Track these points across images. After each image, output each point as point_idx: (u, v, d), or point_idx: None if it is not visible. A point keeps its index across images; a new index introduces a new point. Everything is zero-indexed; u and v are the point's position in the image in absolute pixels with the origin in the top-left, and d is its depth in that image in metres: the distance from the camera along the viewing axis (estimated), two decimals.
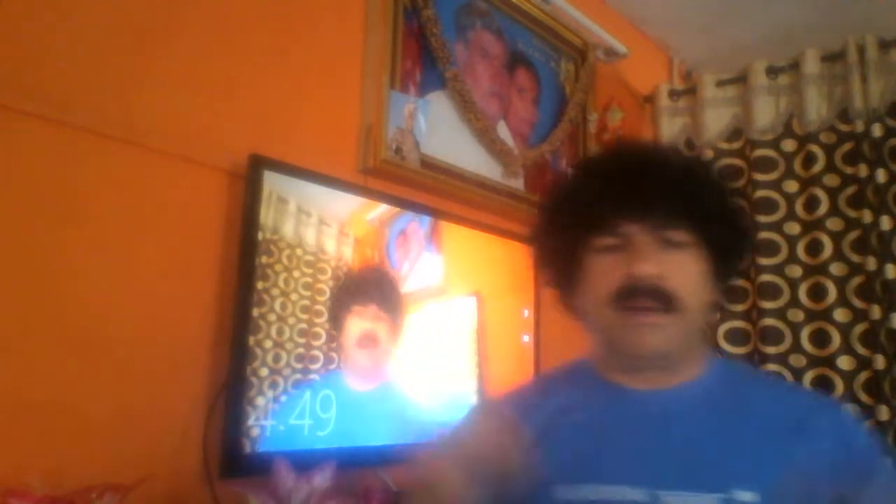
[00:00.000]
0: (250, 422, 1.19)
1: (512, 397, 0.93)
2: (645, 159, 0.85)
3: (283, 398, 1.25)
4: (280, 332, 1.26)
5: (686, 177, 0.82)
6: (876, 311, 1.84)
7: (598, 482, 0.77)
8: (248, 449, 1.18)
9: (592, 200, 0.81)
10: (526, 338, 1.80)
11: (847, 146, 1.98)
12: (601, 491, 0.77)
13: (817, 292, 1.94)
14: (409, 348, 1.50)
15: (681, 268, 0.78)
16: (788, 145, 2.08)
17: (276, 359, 1.24)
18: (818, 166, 2.00)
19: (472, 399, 1.63)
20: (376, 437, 1.40)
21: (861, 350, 1.86)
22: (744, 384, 0.87)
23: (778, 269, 2.00)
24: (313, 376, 1.30)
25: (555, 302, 0.92)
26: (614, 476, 0.77)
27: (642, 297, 0.77)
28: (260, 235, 1.24)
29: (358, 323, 1.39)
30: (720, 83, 2.23)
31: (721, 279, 0.84)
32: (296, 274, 1.30)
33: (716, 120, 2.21)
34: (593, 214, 0.81)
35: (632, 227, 0.78)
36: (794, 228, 2.01)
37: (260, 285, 1.23)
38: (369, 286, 1.44)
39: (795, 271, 1.98)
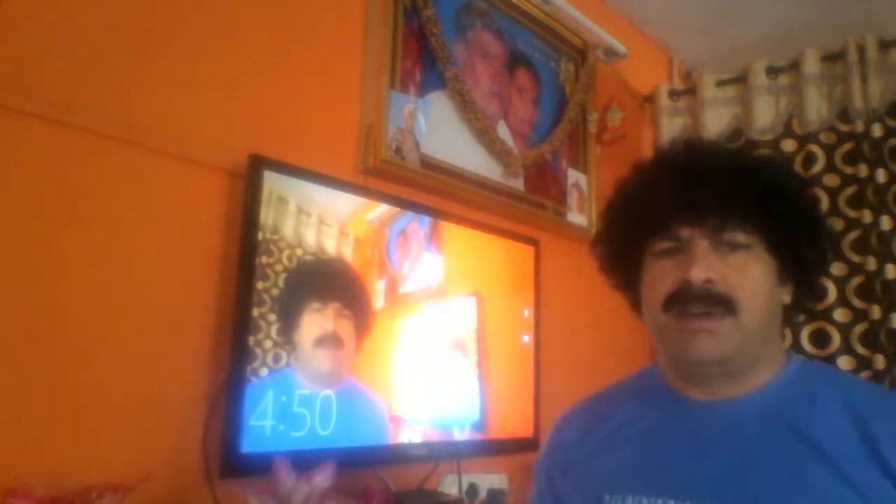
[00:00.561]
0: (250, 422, 1.18)
1: (582, 410, 0.94)
2: (700, 159, 0.82)
3: (284, 398, 1.24)
4: (280, 331, 1.26)
5: (742, 177, 0.79)
6: (876, 311, 1.84)
7: (643, 493, 0.77)
8: (248, 449, 1.17)
9: (650, 203, 0.80)
10: (526, 338, 1.80)
11: (847, 146, 1.98)
12: (646, 501, 0.76)
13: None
14: (410, 348, 1.49)
15: (740, 270, 0.76)
16: (788, 145, 2.08)
17: (277, 359, 1.24)
18: (818, 166, 2.00)
19: (473, 399, 1.63)
20: (342, 438, 1.33)
21: (861, 350, 1.86)
22: (819, 391, 0.79)
23: None
24: (263, 372, 1.26)
25: (627, 307, 0.91)
26: (659, 488, 0.76)
27: (695, 302, 0.75)
28: (260, 235, 1.24)
29: (317, 322, 1.31)
30: (720, 83, 2.23)
31: (794, 279, 0.81)
32: None
33: (716, 120, 2.21)
34: (651, 218, 0.80)
35: (687, 231, 0.77)
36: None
37: (260, 285, 1.23)
38: (331, 281, 1.36)
39: None
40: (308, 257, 1.33)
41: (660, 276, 0.79)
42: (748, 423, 0.77)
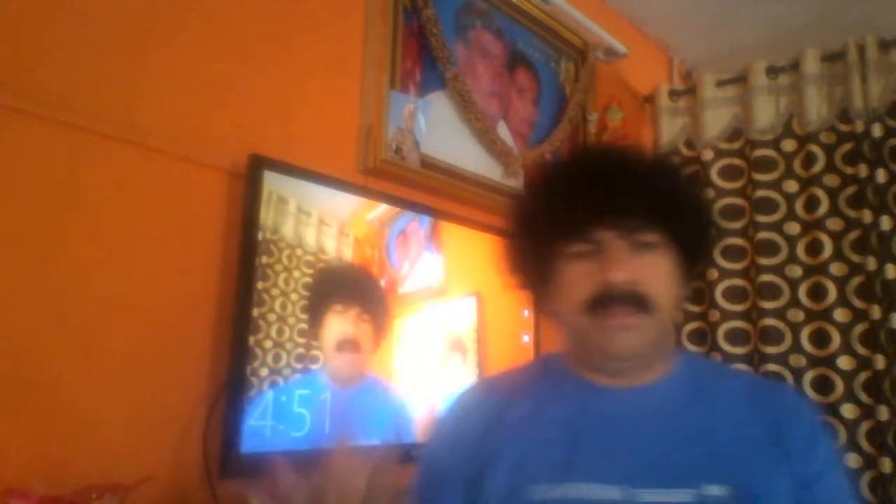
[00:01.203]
0: (250, 422, 1.18)
1: (484, 398, 0.92)
2: (612, 164, 0.85)
3: (284, 398, 1.25)
4: (280, 332, 1.26)
5: (654, 178, 0.83)
6: (876, 311, 1.84)
7: (573, 481, 0.78)
8: (248, 449, 1.17)
9: (564, 207, 0.82)
10: (526, 338, 1.80)
11: (847, 146, 1.98)
12: (577, 489, 0.77)
13: (817, 292, 1.94)
14: (409, 349, 1.49)
15: (653, 269, 0.80)
16: (788, 145, 2.08)
17: (276, 359, 1.24)
18: (818, 166, 2.00)
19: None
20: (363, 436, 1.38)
21: (861, 350, 1.86)
22: (710, 378, 0.90)
23: (778, 269, 2.00)
24: (300, 378, 1.30)
25: (528, 303, 0.93)
26: (589, 474, 0.78)
27: (615, 303, 0.78)
28: (260, 235, 1.24)
29: (338, 324, 1.35)
30: (720, 83, 2.23)
31: (687, 276, 0.86)
32: (296, 274, 1.30)
33: (716, 120, 2.21)
34: (565, 221, 0.81)
35: (605, 234, 0.79)
36: (794, 228, 2.01)
37: (260, 285, 1.23)
38: (350, 285, 1.40)
39: (795, 271, 1.98)
40: (309, 262, 1.33)
41: (578, 279, 0.80)
42: (658, 407, 0.83)
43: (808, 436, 0.82)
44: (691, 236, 0.84)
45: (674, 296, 0.82)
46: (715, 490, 0.75)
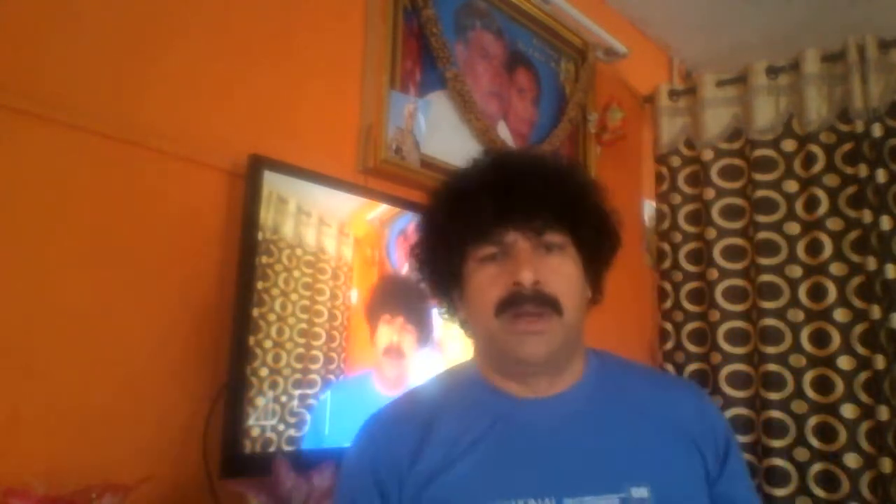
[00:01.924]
0: (250, 422, 1.19)
1: (402, 419, 0.87)
2: (517, 166, 0.86)
3: (284, 398, 1.25)
4: (280, 332, 1.26)
5: (559, 180, 0.84)
6: (876, 311, 1.84)
7: (502, 497, 0.77)
8: (248, 449, 1.17)
9: (469, 211, 0.81)
10: None
11: (847, 146, 1.98)
12: None
13: (817, 292, 1.94)
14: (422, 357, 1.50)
15: (559, 269, 0.80)
16: (788, 145, 2.08)
17: (276, 359, 1.24)
18: (818, 166, 2.00)
19: None
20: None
21: (861, 350, 1.86)
22: (619, 377, 0.90)
23: (778, 269, 2.00)
24: (315, 377, 1.30)
25: (439, 311, 0.93)
26: (518, 490, 0.77)
27: (526, 303, 0.78)
28: (260, 235, 1.24)
29: (386, 332, 1.43)
30: (720, 83, 2.23)
31: (594, 277, 0.87)
32: (296, 274, 1.30)
33: (716, 120, 2.21)
34: (471, 225, 0.81)
35: (511, 235, 0.80)
36: (794, 228, 2.01)
37: (260, 285, 1.23)
38: (399, 296, 1.48)
39: (795, 271, 1.98)
40: (309, 262, 1.33)
41: (487, 282, 0.81)
42: (576, 414, 0.83)
43: (723, 448, 0.85)
44: (595, 239, 0.85)
45: (580, 298, 0.83)
46: (640, 492, 0.77)
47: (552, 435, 0.81)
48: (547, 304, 0.78)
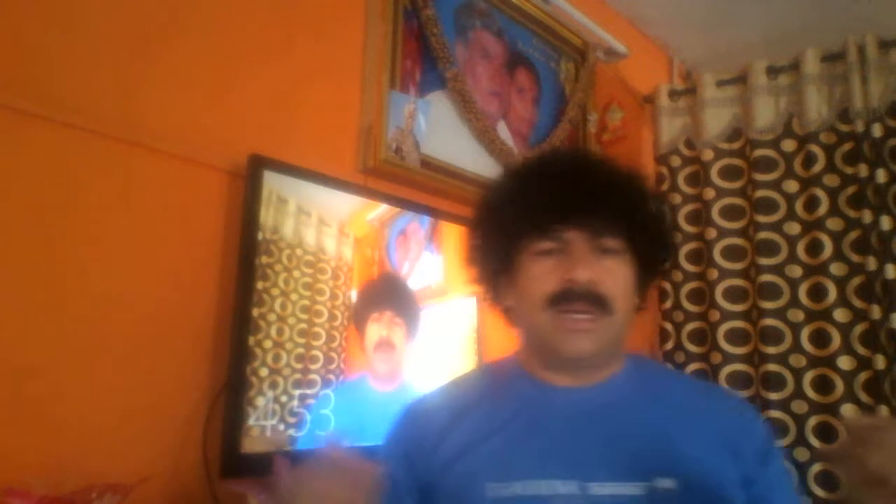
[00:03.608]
0: (250, 422, 1.19)
1: (440, 402, 0.93)
2: (584, 167, 0.88)
3: (284, 398, 1.25)
4: (280, 332, 1.26)
5: (623, 187, 0.86)
6: (876, 311, 1.84)
7: (527, 477, 0.79)
8: (247, 449, 1.17)
9: (533, 204, 0.83)
10: None
11: (847, 146, 1.98)
12: (531, 486, 0.79)
13: (817, 292, 1.94)
14: (417, 350, 1.50)
15: (613, 273, 0.82)
16: (788, 145, 2.08)
17: (276, 359, 1.24)
18: (818, 166, 2.00)
19: None
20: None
21: (861, 350, 1.86)
22: (656, 377, 0.94)
23: (778, 269, 2.00)
24: (315, 377, 1.30)
25: (483, 298, 0.95)
26: (543, 470, 0.79)
27: (578, 301, 0.80)
28: (260, 235, 1.24)
29: (375, 329, 1.42)
30: (720, 83, 2.23)
31: (643, 284, 0.89)
32: (296, 274, 1.30)
33: (716, 120, 2.20)
34: (533, 218, 0.83)
35: (571, 233, 0.82)
36: (794, 228, 2.01)
37: (260, 285, 1.23)
38: (385, 292, 1.48)
39: (795, 271, 1.98)
40: (309, 262, 1.33)
41: (541, 275, 0.83)
42: (610, 404, 0.85)
43: (762, 453, 0.85)
44: (650, 248, 0.87)
45: (630, 302, 0.85)
46: (665, 483, 0.77)
47: (582, 421, 0.83)
48: (598, 303, 0.80)
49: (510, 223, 0.85)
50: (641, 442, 0.81)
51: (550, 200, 0.82)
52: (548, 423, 0.84)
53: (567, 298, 0.80)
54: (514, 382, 0.90)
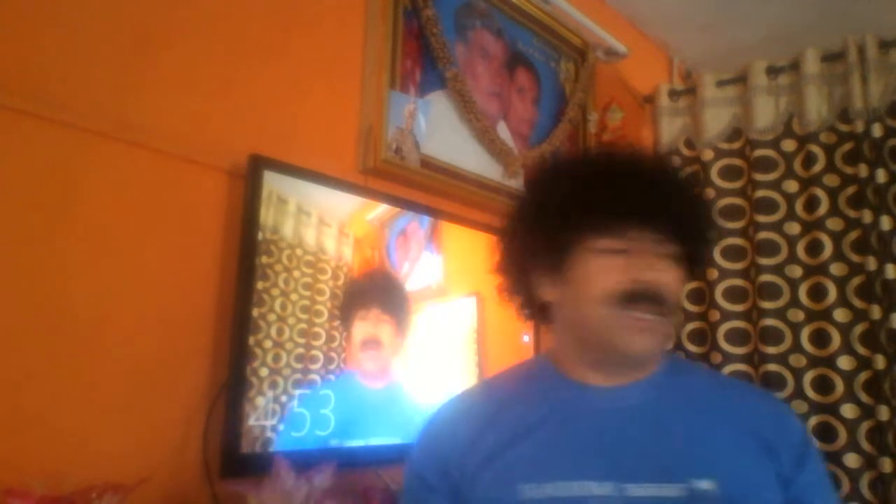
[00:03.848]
0: (250, 422, 1.19)
1: (471, 404, 0.93)
2: (649, 169, 0.88)
3: (284, 398, 1.25)
4: (280, 332, 1.26)
5: (687, 195, 0.89)
6: (876, 311, 1.83)
7: (561, 478, 0.78)
8: (248, 449, 1.17)
9: (598, 201, 0.82)
10: (526, 338, 1.80)
11: (847, 146, 1.98)
12: (566, 487, 0.78)
13: (817, 292, 1.94)
14: (411, 348, 1.50)
15: (672, 276, 0.83)
16: (788, 145, 2.08)
17: (276, 359, 1.24)
18: (818, 166, 2.00)
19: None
20: (381, 436, 1.40)
21: (861, 350, 1.86)
22: (692, 377, 0.94)
23: (778, 269, 2.00)
24: (315, 377, 1.30)
25: (503, 292, 0.95)
26: (579, 472, 0.78)
27: (648, 302, 0.80)
28: (260, 235, 1.24)
29: (362, 327, 1.40)
30: (720, 83, 2.23)
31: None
32: (296, 274, 1.30)
33: (716, 120, 2.20)
34: (596, 214, 0.82)
35: (637, 234, 0.81)
36: (794, 228, 2.01)
37: (260, 285, 1.23)
38: (372, 289, 1.45)
39: (795, 271, 1.98)
40: (309, 262, 1.33)
41: (603, 271, 0.82)
42: (645, 404, 0.85)
43: (798, 453, 0.84)
44: (698, 255, 0.89)
45: (681, 306, 0.86)
46: (703, 484, 0.76)
47: (618, 421, 0.83)
48: (665, 306, 0.81)
49: (568, 218, 0.84)
50: (680, 442, 0.81)
51: (620, 199, 0.82)
52: (582, 423, 0.84)
53: (637, 299, 0.80)
54: (547, 383, 0.89)
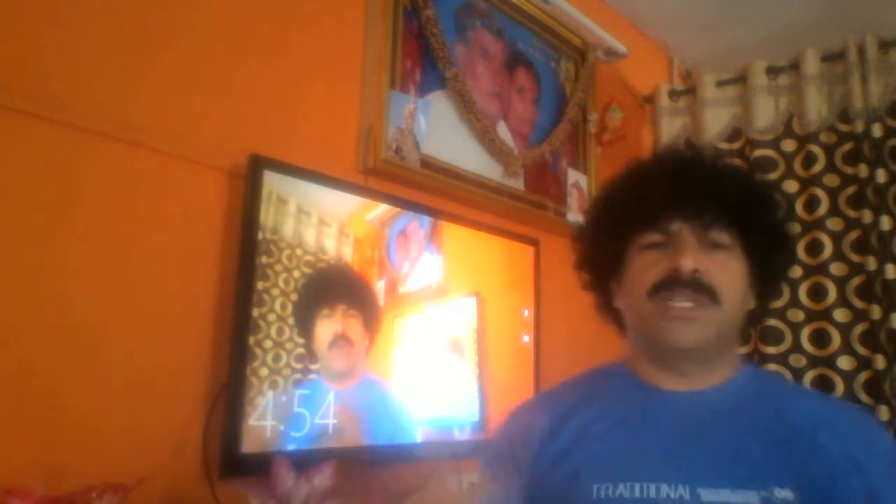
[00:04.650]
0: (250, 422, 1.19)
1: (549, 402, 0.93)
2: (694, 160, 0.88)
3: (284, 398, 1.25)
4: (280, 332, 1.26)
5: (732, 181, 0.85)
6: (876, 311, 1.84)
7: (633, 479, 0.78)
8: (247, 449, 1.17)
9: (641, 199, 0.83)
10: (526, 338, 1.80)
11: (847, 146, 1.98)
12: (636, 488, 0.77)
13: (817, 292, 1.94)
14: (410, 348, 1.49)
15: (722, 266, 0.81)
16: (788, 145, 2.08)
17: (276, 359, 1.24)
18: (818, 166, 2.00)
19: (473, 400, 1.63)
20: (365, 436, 1.39)
21: (861, 350, 1.86)
22: (774, 388, 0.90)
23: None
24: (299, 378, 1.30)
25: (594, 306, 0.95)
26: (650, 473, 0.78)
27: (682, 289, 0.79)
28: (260, 235, 1.24)
29: (327, 326, 1.34)
30: (720, 83, 2.23)
31: (761, 285, 0.86)
32: (296, 274, 1.30)
33: (716, 120, 2.21)
34: (641, 212, 0.83)
35: (677, 225, 0.81)
36: (794, 229, 2.01)
37: (260, 285, 1.23)
38: (334, 286, 1.39)
39: (795, 271, 1.98)
40: (309, 262, 1.33)
41: (647, 266, 0.82)
42: (722, 410, 0.82)
43: (885, 465, 0.80)
44: (765, 246, 0.85)
45: (741, 298, 0.83)
46: (783, 493, 0.74)
47: (694, 426, 0.81)
48: (703, 291, 0.79)
49: (621, 219, 0.85)
50: (759, 450, 0.78)
51: (659, 193, 0.82)
52: (658, 426, 0.83)
53: (671, 286, 0.79)
54: (623, 385, 0.89)
